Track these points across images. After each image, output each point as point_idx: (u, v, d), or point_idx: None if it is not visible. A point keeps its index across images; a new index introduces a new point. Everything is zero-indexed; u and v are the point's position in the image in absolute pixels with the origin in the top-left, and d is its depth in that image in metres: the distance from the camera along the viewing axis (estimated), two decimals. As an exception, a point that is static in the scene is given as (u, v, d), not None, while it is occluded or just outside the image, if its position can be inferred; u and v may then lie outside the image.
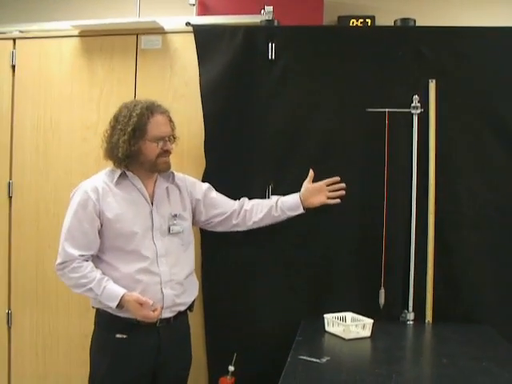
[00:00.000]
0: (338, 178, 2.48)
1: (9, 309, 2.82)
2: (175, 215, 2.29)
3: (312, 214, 2.48)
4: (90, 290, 2.12)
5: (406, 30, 2.56)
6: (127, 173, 2.24)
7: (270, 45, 2.53)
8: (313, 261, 2.53)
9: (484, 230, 2.47)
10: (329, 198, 2.47)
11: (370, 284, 2.48)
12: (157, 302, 2.16)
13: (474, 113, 2.47)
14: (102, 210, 2.17)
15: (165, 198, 2.31)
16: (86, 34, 2.75)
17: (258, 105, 2.56)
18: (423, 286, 2.47)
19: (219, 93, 2.56)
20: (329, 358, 1.96)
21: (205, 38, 2.59)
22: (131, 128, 2.17)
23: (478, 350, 2.10)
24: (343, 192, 2.47)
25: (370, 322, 2.24)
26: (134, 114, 2.18)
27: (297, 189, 2.51)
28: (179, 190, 2.37)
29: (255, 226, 2.46)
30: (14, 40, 2.82)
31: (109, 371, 2.16)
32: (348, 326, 2.24)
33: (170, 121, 2.29)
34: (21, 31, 2.85)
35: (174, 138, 2.30)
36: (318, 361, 1.94)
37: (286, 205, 2.44)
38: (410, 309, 2.47)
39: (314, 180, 2.48)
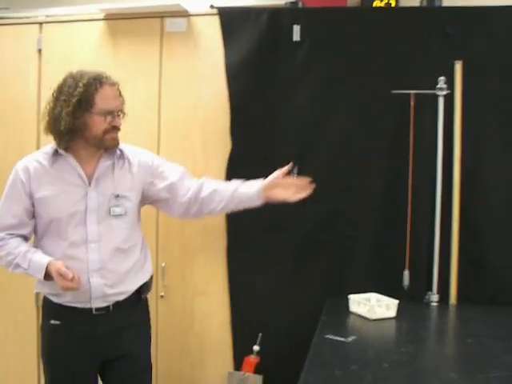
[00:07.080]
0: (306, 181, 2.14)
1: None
2: (117, 195, 2.06)
3: (338, 193, 2.50)
4: (18, 265, 1.99)
5: (431, 10, 2.53)
6: (60, 151, 2.03)
7: (294, 27, 2.54)
8: (338, 241, 2.54)
9: (510, 212, 2.46)
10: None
11: (394, 265, 2.50)
12: (84, 291, 1.99)
13: (501, 95, 2.45)
14: (32, 191, 2.02)
15: (108, 175, 2.07)
16: (111, 18, 2.76)
17: (283, 87, 2.56)
18: (447, 267, 2.47)
19: (244, 75, 2.57)
20: (355, 338, 1.99)
21: (229, 20, 2.60)
22: (76, 99, 1.95)
23: (502, 331, 2.11)
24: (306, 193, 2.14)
25: (394, 302, 2.26)
26: (81, 84, 1.96)
27: (321, 172, 2.48)
28: (129, 165, 2.12)
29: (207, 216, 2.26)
30: (41, 24, 2.84)
31: (49, 357, 2.10)
32: (373, 306, 2.25)
33: (120, 95, 2.08)
34: (47, 15, 2.87)
35: (124, 114, 2.08)
36: (344, 340, 1.96)
37: (243, 197, 2.15)
38: (434, 290, 2.48)
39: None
